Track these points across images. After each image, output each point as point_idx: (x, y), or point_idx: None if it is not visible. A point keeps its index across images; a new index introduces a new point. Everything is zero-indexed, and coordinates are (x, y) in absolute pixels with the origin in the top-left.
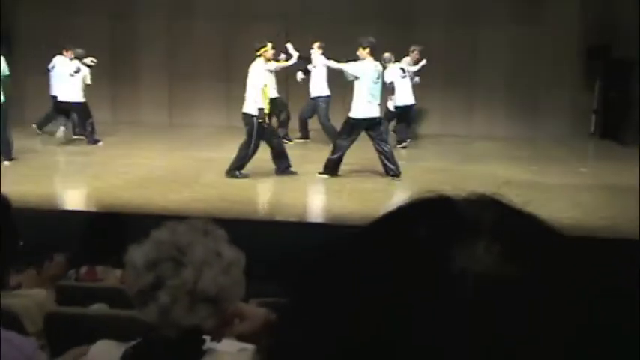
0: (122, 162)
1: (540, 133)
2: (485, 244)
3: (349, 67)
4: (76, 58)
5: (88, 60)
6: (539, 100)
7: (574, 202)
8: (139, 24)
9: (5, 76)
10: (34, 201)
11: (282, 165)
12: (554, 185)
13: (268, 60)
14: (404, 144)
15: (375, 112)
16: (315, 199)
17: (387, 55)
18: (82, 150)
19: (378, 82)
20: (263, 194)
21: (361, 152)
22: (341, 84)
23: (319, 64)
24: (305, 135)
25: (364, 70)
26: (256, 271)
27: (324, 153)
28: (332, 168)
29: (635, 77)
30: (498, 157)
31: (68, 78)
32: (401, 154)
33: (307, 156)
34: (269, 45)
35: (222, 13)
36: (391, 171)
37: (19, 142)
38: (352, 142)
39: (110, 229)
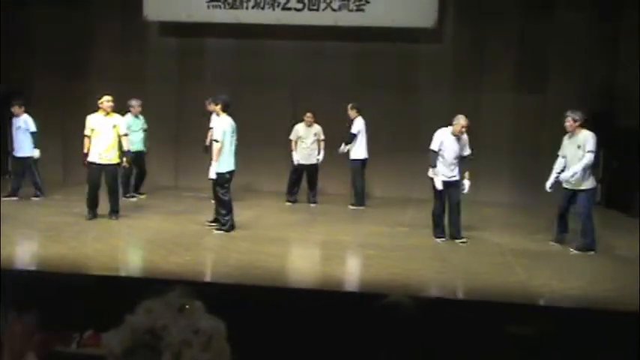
0: (125, 224)
1: (545, 201)
2: None
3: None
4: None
5: None
6: (544, 167)
7: (579, 272)
8: (150, 94)
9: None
10: (34, 262)
11: None
12: (558, 254)
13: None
14: None
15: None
16: (317, 264)
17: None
18: (82, 211)
19: (234, 135)
20: (265, 259)
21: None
22: None
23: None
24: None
25: (225, 127)
26: (253, 336)
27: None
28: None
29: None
30: (502, 225)
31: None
32: (403, 220)
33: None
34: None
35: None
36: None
37: (11, 204)
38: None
39: (110, 293)
